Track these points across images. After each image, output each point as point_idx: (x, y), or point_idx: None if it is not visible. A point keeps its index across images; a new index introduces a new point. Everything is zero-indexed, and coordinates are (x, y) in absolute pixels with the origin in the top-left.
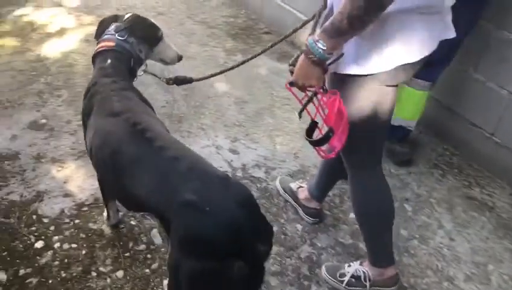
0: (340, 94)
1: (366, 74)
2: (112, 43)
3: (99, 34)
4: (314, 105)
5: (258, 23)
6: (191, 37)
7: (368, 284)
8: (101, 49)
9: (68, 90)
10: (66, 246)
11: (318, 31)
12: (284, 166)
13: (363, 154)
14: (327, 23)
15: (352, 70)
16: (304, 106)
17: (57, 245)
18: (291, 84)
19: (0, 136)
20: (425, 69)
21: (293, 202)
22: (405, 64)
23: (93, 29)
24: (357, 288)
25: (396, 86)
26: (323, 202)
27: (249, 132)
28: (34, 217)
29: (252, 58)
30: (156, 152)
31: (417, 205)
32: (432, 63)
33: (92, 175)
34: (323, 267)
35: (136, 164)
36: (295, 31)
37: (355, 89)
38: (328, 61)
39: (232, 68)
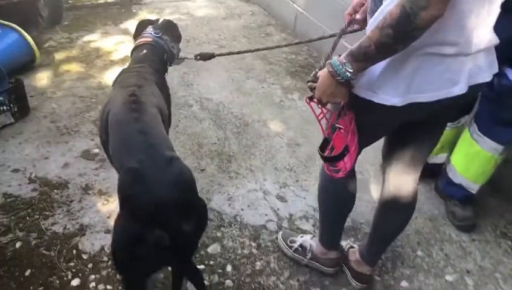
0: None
1: (378, 102)
2: (149, 39)
3: (137, 34)
4: (327, 121)
5: (319, 62)
6: (249, 72)
7: (308, 256)
8: (139, 43)
9: None
10: (101, 286)
11: (345, 52)
12: None
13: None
14: (355, 46)
15: (367, 95)
16: (332, 121)
17: (92, 285)
18: (311, 98)
19: (54, 163)
20: (500, 129)
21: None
22: (419, 102)
23: None
24: (299, 257)
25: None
26: (375, 265)
27: (300, 178)
28: (74, 251)
29: (259, 50)
30: (130, 121)
31: (480, 279)
32: (508, 123)
33: None
34: (280, 233)
35: (115, 125)
36: (320, 38)
37: (363, 111)
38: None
39: (239, 52)
